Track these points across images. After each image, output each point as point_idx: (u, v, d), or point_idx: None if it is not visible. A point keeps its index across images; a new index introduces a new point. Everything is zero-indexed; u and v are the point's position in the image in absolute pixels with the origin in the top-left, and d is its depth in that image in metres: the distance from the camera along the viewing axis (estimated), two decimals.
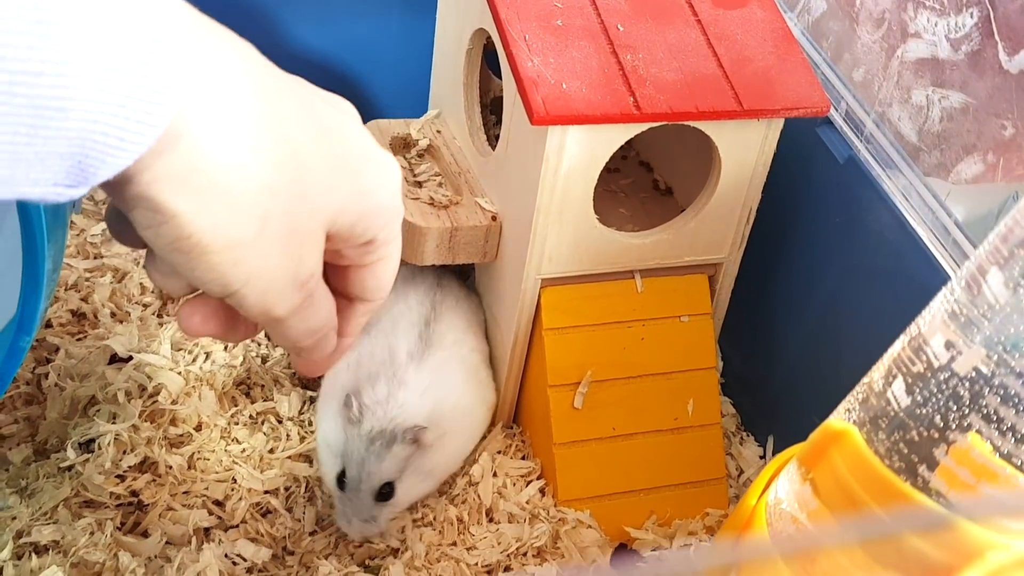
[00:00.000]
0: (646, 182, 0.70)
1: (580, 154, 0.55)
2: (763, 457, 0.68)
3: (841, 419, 0.40)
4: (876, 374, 0.40)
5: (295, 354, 0.43)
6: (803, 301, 0.65)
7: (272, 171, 0.35)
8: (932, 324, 0.38)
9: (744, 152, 0.59)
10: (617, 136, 0.56)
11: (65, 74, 0.28)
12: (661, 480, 0.63)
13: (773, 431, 0.68)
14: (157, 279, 0.38)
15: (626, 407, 0.62)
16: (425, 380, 0.59)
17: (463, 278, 0.70)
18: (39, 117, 0.28)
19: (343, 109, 0.40)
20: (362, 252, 0.41)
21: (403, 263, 0.50)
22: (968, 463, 0.37)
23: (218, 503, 0.59)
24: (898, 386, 0.38)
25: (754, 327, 0.69)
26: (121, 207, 0.34)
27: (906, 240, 0.56)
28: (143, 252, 0.39)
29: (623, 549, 0.60)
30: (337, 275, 0.42)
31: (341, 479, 0.57)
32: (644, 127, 0.56)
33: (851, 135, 0.60)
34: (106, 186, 0.32)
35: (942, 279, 0.54)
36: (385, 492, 0.57)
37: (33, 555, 0.54)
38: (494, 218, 0.62)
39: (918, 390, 0.37)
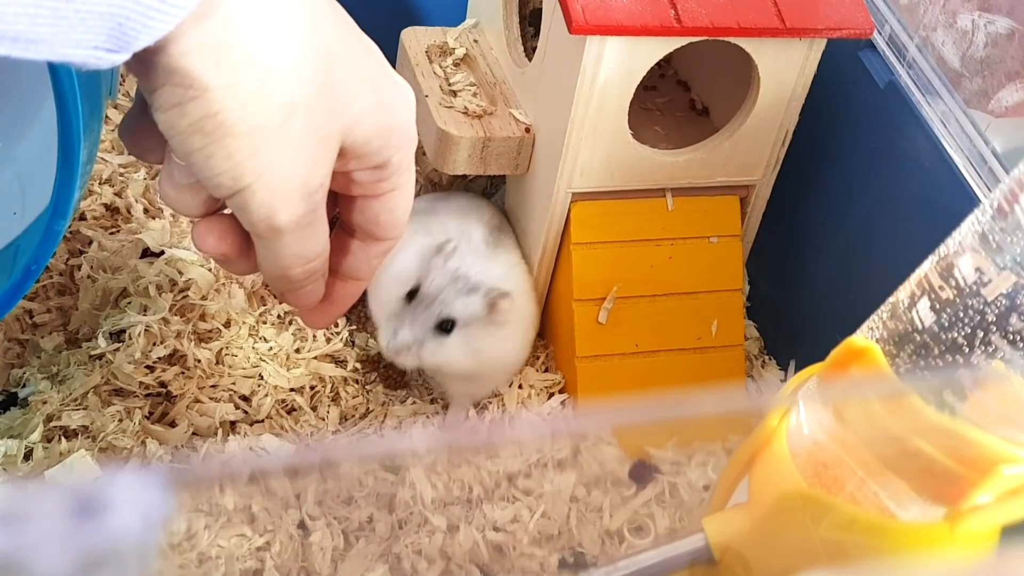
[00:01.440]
0: (683, 101, 0.69)
1: (617, 67, 0.55)
2: (784, 381, 0.68)
3: (863, 336, 0.40)
4: (902, 293, 0.40)
5: (284, 292, 0.41)
6: (834, 227, 0.65)
7: (304, 59, 0.34)
8: (961, 246, 0.37)
9: (784, 72, 0.58)
10: (656, 50, 0.55)
11: None
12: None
13: (796, 355, 0.68)
14: (171, 195, 0.38)
15: (650, 325, 0.63)
16: (502, 267, 0.61)
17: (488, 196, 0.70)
18: None
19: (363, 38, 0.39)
20: (376, 177, 0.39)
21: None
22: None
23: (244, 398, 0.60)
24: (923, 306, 0.38)
25: (782, 251, 0.68)
26: (148, 89, 0.33)
27: (943, 168, 0.56)
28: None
29: (641, 462, 0.61)
30: (349, 207, 0.41)
31: (411, 294, 0.58)
32: (684, 41, 0.55)
33: (893, 60, 0.59)
34: (138, 64, 0.32)
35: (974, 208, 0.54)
36: (446, 326, 0.58)
37: (62, 439, 0.56)
38: (527, 130, 0.61)
39: (943, 311, 0.37)
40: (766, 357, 0.70)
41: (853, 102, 0.62)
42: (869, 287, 0.62)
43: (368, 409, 0.62)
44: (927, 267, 0.39)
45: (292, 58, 0.34)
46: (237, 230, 0.39)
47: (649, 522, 0.58)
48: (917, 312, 0.38)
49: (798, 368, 0.68)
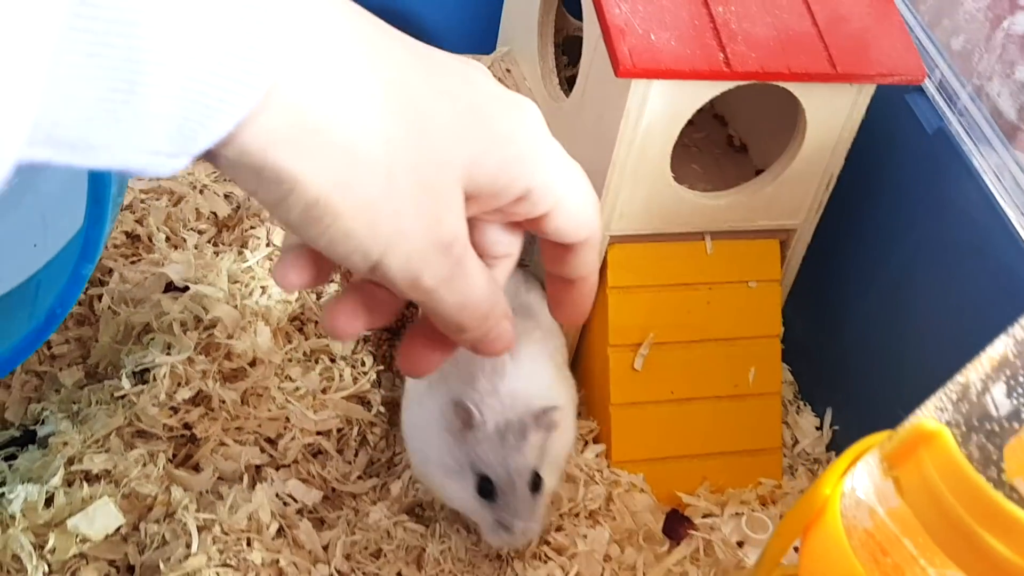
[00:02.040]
0: (720, 137, 0.68)
1: (663, 109, 0.53)
2: (819, 428, 0.66)
3: (932, 418, 0.39)
4: (973, 374, 0.38)
5: (469, 343, 0.39)
6: (875, 272, 0.63)
7: (389, 121, 0.32)
8: None
9: (832, 116, 0.57)
10: (703, 93, 0.53)
11: (162, 26, 0.26)
12: (716, 447, 0.62)
13: (832, 403, 0.66)
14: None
15: (686, 371, 0.61)
16: (526, 367, 0.54)
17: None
18: (137, 72, 0.26)
19: (465, 60, 0.37)
20: (526, 206, 0.37)
21: None
22: None
23: (270, 441, 0.58)
24: (999, 391, 0.37)
25: (821, 295, 0.67)
26: (246, 191, 0.32)
27: (993, 220, 0.54)
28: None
29: (675, 515, 0.59)
30: (533, 227, 0.39)
31: (484, 488, 0.51)
32: (732, 85, 0.53)
33: (943, 106, 0.58)
34: (224, 167, 0.31)
35: None
36: (536, 483, 0.52)
37: (84, 483, 0.54)
38: None
39: (1022, 398, 0.36)
40: (801, 403, 0.68)
41: (899, 147, 0.60)
42: (910, 334, 0.61)
43: (395, 452, 0.60)
44: (1002, 349, 0.37)
45: (377, 124, 0.32)
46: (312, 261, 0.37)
47: None
48: (991, 397, 0.37)
49: (835, 416, 0.66)
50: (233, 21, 0.28)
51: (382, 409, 0.61)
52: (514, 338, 0.41)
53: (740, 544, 0.59)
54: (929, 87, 0.58)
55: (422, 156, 0.33)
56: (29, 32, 0.23)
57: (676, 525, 0.59)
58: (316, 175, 0.31)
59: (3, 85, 0.23)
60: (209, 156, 0.30)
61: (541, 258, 0.45)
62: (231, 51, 0.28)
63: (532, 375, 0.54)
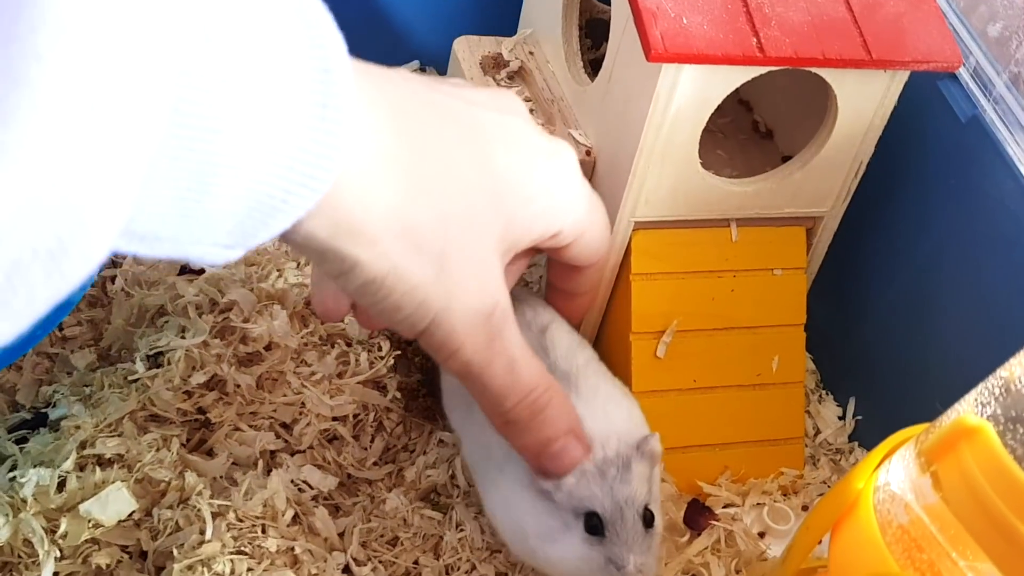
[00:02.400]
0: (745, 123, 0.67)
1: (693, 94, 0.52)
2: (842, 418, 0.65)
3: (973, 412, 0.38)
4: (1017, 369, 0.37)
5: (528, 452, 0.45)
6: (902, 262, 0.62)
7: (444, 205, 0.35)
8: None
9: (864, 103, 0.55)
10: (734, 78, 0.52)
11: (241, 134, 0.28)
12: (738, 436, 0.61)
13: (855, 393, 0.65)
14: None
15: (709, 359, 0.60)
16: (596, 401, 0.50)
17: None
18: (212, 175, 0.28)
19: (504, 107, 0.41)
20: (553, 242, 0.42)
21: None
22: None
23: (285, 426, 0.57)
24: None
25: (846, 283, 0.66)
26: (311, 259, 0.36)
27: None
28: None
29: (696, 505, 0.59)
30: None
31: (591, 525, 0.46)
32: (764, 70, 0.52)
33: (977, 93, 0.56)
34: (287, 242, 0.33)
35: None
36: (648, 517, 0.47)
37: (97, 468, 0.53)
38: (588, 152, 0.58)
39: None
40: (823, 392, 0.67)
41: (931, 135, 0.59)
42: (936, 324, 0.60)
43: (411, 438, 0.59)
44: None
45: (427, 211, 0.35)
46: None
47: (704, 571, 0.55)
48: None
49: (858, 407, 0.65)
50: (303, 130, 0.30)
51: (398, 395, 0.60)
52: (580, 457, 0.45)
53: (762, 535, 0.58)
54: (963, 74, 0.57)
55: (470, 234, 0.37)
56: (136, 140, 0.24)
57: (697, 515, 0.58)
58: (374, 260, 0.34)
59: (111, 189, 0.24)
60: (280, 238, 0.32)
61: (548, 274, 0.50)
62: (299, 157, 0.30)
63: (606, 407, 0.50)
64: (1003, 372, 0.38)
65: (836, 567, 0.42)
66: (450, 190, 0.36)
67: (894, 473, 0.41)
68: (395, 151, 0.34)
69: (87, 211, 0.23)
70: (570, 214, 0.42)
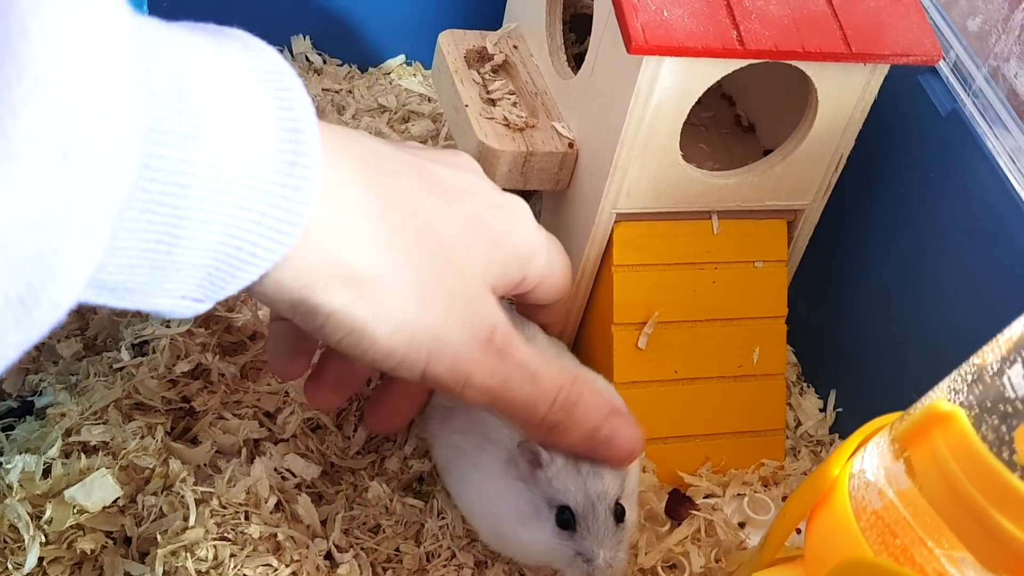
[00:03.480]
0: (727, 116, 0.67)
1: (673, 87, 0.52)
2: (823, 410, 0.66)
3: (946, 399, 0.38)
4: (990, 355, 0.38)
5: (583, 449, 0.45)
6: (882, 255, 0.62)
7: (412, 247, 0.36)
8: None
9: (844, 96, 0.56)
10: (714, 71, 0.53)
11: (210, 190, 0.28)
12: (719, 427, 0.61)
13: (835, 384, 0.66)
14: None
15: (690, 351, 0.60)
16: None
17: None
18: (181, 228, 0.28)
19: (460, 165, 0.43)
20: (519, 287, 0.45)
21: None
22: None
23: (269, 415, 0.58)
24: (1016, 373, 0.36)
25: (827, 276, 0.66)
26: (285, 314, 0.35)
27: (1007, 204, 0.53)
28: None
29: (676, 495, 0.59)
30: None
31: (563, 519, 0.46)
32: (745, 63, 0.53)
33: (958, 88, 0.57)
34: (258, 296, 0.34)
35: None
36: (620, 512, 0.47)
37: (82, 455, 0.53)
38: (571, 145, 0.59)
39: None
40: (804, 384, 0.68)
41: (911, 129, 0.59)
42: (917, 317, 0.60)
43: None
44: (1020, 330, 0.37)
45: (398, 253, 0.35)
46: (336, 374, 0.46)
47: (684, 560, 0.56)
48: (1009, 379, 0.36)
49: (839, 399, 0.66)
50: (271, 186, 0.30)
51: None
52: (639, 437, 0.46)
53: (742, 525, 0.59)
54: (943, 68, 0.58)
55: (446, 269, 0.37)
56: (106, 192, 0.25)
57: (677, 505, 0.58)
58: (349, 307, 0.34)
59: (81, 238, 0.25)
60: (248, 290, 0.33)
61: (517, 308, 0.52)
62: (268, 212, 0.30)
63: None
64: (976, 360, 0.38)
65: (811, 553, 0.43)
66: (421, 233, 0.37)
67: (869, 460, 0.42)
68: (363, 201, 0.35)
69: (57, 259, 0.24)
70: (532, 261, 0.44)
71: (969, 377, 0.38)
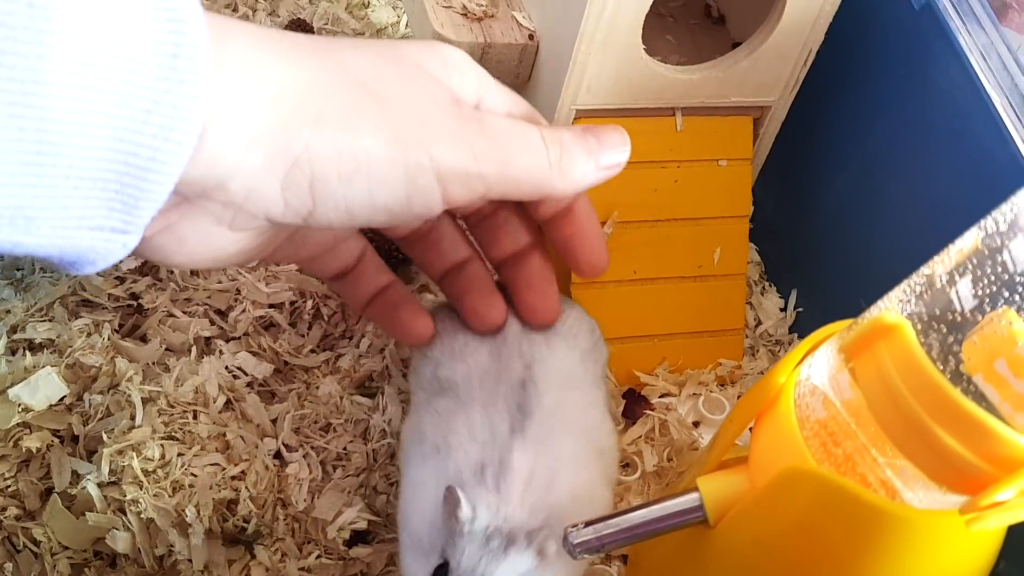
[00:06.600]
0: (697, 7, 0.65)
1: None
2: (784, 310, 0.66)
3: (894, 310, 0.38)
4: (939, 267, 0.37)
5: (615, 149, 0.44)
6: (850, 154, 0.61)
7: (348, 75, 0.34)
8: (1013, 227, 0.34)
9: None
10: None
11: (79, 86, 0.26)
12: (677, 327, 0.61)
13: (797, 285, 0.65)
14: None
15: (650, 251, 0.59)
16: (529, 461, 0.44)
17: None
18: (59, 133, 0.26)
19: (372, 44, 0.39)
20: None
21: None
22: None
23: (220, 313, 0.57)
24: (964, 286, 0.35)
25: (793, 175, 0.65)
26: (282, 221, 0.35)
27: (976, 102, 0.52)
28: None
29: (632, 395, 0.59)
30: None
31: (440, 572, 0.42)
32: None
33: None
34: (218, 212, 0.33)
35: (1010, 150, 0.50)
36: None
37: (27, 352, 0.53)
38: (531, 37, 0.57)
39: (987, 293, 0.34)
40: (766, 283, 0.67)
41: (883, 24, 0.57)
42: (880, 221, 0.59)
43: (348, 326, 0.59)
44: (972, 242, 0.36)
45: (339, 86, 0.34)
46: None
47: (637, 459, 0.56)
48: (957, 292, 0.35)
49: (800, 298, 0.65)
50: (151, 81, 0.28)
51: None
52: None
53: (696, 424, 0.59)
54: None
55: (413, 89, 0.36)
56: None
57: (633, 405, 0.58)
58: (315, 158, 0.32)
59: None
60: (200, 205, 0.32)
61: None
62: (153, 110, 0.28)
63: (541, 469, 0.44)
64: (926, 270, 0.38)
65: (755, 460, 0.43)
66: (362, 101, 0.35)
67: (816, 368, 0.41)
68: (270, 61, 0.32)
69: None
70: (475, 87, 0.42)
71: (918, 288, 0.37)
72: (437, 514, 0.43)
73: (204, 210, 0.33)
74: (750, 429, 0.46)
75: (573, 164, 0.42)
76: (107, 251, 0.29)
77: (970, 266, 0.35)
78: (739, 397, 0.61)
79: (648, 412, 0.58)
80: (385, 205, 0.35)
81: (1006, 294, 0.34)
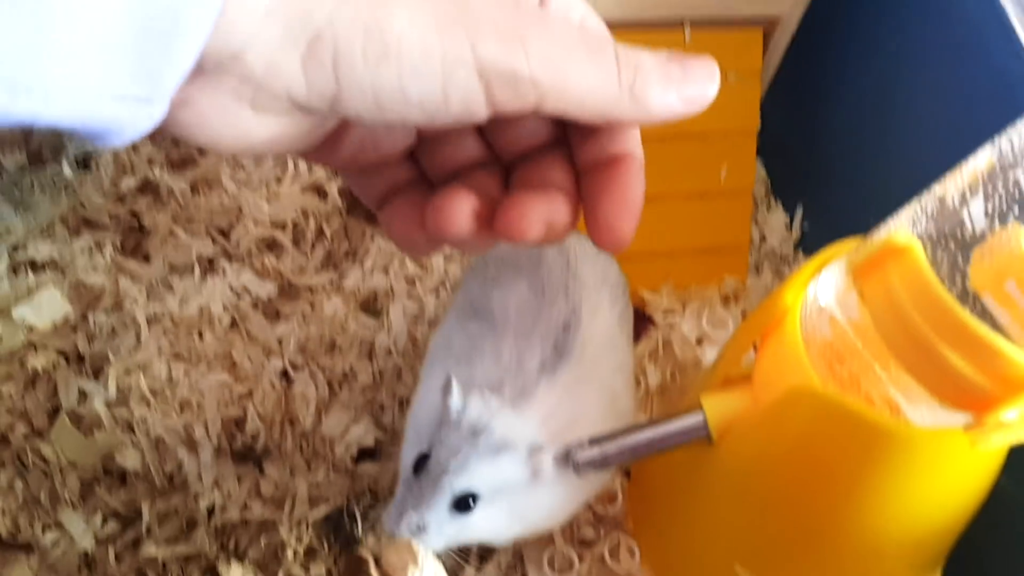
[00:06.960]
0: None
1: None
2: (789, 227, 0.65)
3: (905, 229, 0.37)
4: (951, 187, 0.36)
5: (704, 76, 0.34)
6: (862, 69, 0.60)
7: None
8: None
9: None
10: None
11: None
12: (683, 243, 0.61)
13: (804, 201, 0.65)
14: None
15: (657, 167, 0.58)
16: (553, 401, 0.43)
17: None
18: None
19: None
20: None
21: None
22: None
23: (223, 232, 0.56)
24: (976, 206, 0.35)
25: (803, 90, 0.64)
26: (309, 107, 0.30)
27: (992, 17, 0.51)
28: None
29: (637, 313, 0.59)
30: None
31: (421, 461, 0.42)
32: None
33: None
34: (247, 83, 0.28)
35: None
36: (462, 504, 0.41)
37: (30, 272, 0.53)
38: None
39: (999, 213, 0.34)
40: (772, 199, 0.66)
41: None
42: (890, 138, 0.59)
43: (351, 244, 0.59)
44: (985, 161, 0.35)
45: None
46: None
47: (640, 377, 0.56)
48: (968, 211, 0.35)
49: (805, 215, 0.65)
50: None
51: (339, 201, 0.59)
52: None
53: (699, 341, 0.59)
54: None
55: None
56: None
57: (637, 322, 0.58)
58: (339, 33, 0.29)
59: None
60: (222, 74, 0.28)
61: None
62: None
63: (562, 410, 0.44)
64: (937, 189, 0.37)
65: (759, 378, 0.43)
66: None
67: (823, 287, 0.41)
68: None
69: None
70: None
71: (929, 208, 0.37)
72: (435, 409, 0.43)
73: (222, 84, 0.31)
74: (754, 347, 0.46)
75: (648, 90, 0.35)
76: (133, 121, 0.28)
77: (982, 184, 0.35)
78: (743, 314, 0.61)
79: (652, 328, 0.58)
80: (419, 99, 0.31)
81: (1017, 211, 0.34)
